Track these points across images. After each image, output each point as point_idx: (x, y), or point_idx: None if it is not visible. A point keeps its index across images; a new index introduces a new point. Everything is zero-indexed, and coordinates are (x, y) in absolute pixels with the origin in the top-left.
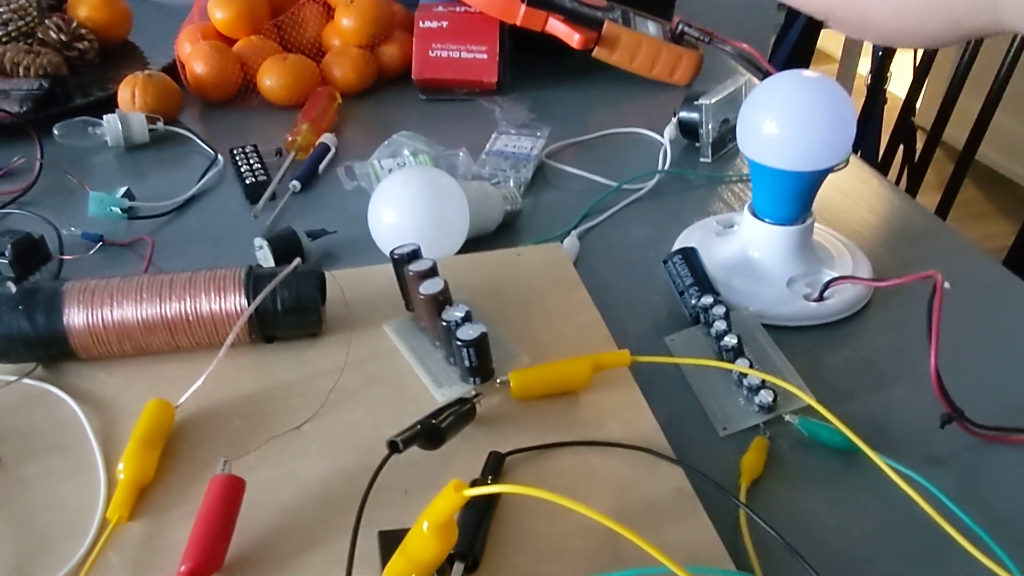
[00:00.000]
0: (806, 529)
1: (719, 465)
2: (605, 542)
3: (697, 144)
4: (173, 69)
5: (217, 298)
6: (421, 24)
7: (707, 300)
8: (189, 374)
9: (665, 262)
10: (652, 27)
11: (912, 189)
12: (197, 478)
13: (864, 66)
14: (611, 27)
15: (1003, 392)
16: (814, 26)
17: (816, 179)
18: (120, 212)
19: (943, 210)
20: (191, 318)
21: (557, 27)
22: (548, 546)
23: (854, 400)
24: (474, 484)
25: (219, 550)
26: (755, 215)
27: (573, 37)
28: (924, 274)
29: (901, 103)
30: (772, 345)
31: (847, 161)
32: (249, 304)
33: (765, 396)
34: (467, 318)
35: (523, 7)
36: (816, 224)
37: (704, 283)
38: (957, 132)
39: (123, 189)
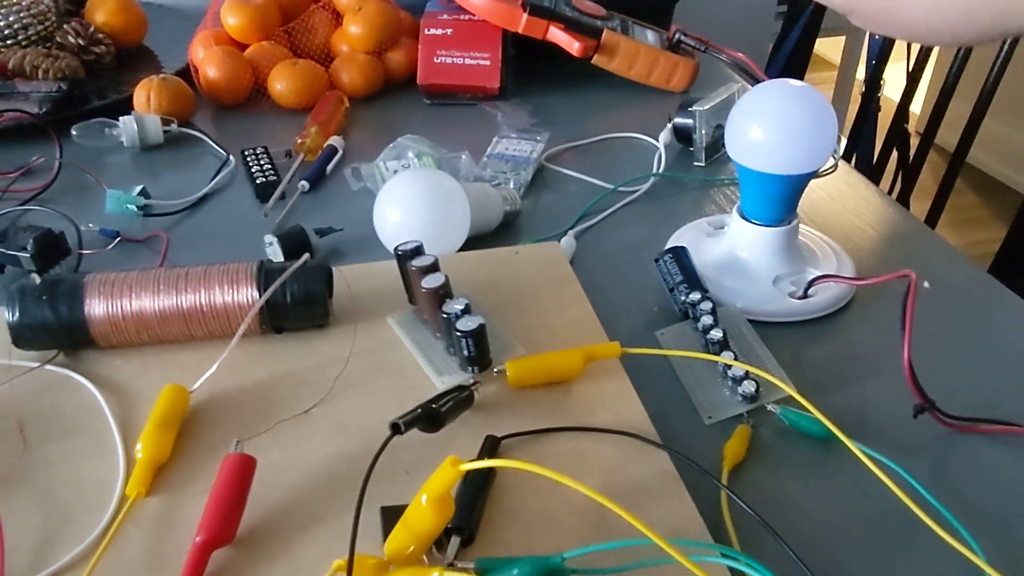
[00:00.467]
0: (784, 511)
1: (704, 451)
2: (593, 518)
3: (691, 149)
4: (186, 73)
5: (230, 290)
6: (427, 31)
7: (695, 296)
8: (202, 362)
9: (656, 260)
10: (650, 36)
11: (905, 193)
12: (210, 458)
13: (862, 73)
14: (610, 35)
15: (976, 387)
16: (810, 35)
17: (800, 182)
18: (136, 210)
19: (935, 213)
20: (205, 309)
21: (558, 35)
22: (539, 522)
23: (833, 392)
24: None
25: (232, 523)
26: (743, 216)
27: (573, 45)
28: (900, 273)
29: (895, 108)
30: (757, 339)
31: (835, 166)
32: (260, 296)
33: (748, 386)
34: (466, 311)
35: (525, 16)
36: (803, 226)
37: (693, 280)
38: (950, 136)
39: (139, 187)
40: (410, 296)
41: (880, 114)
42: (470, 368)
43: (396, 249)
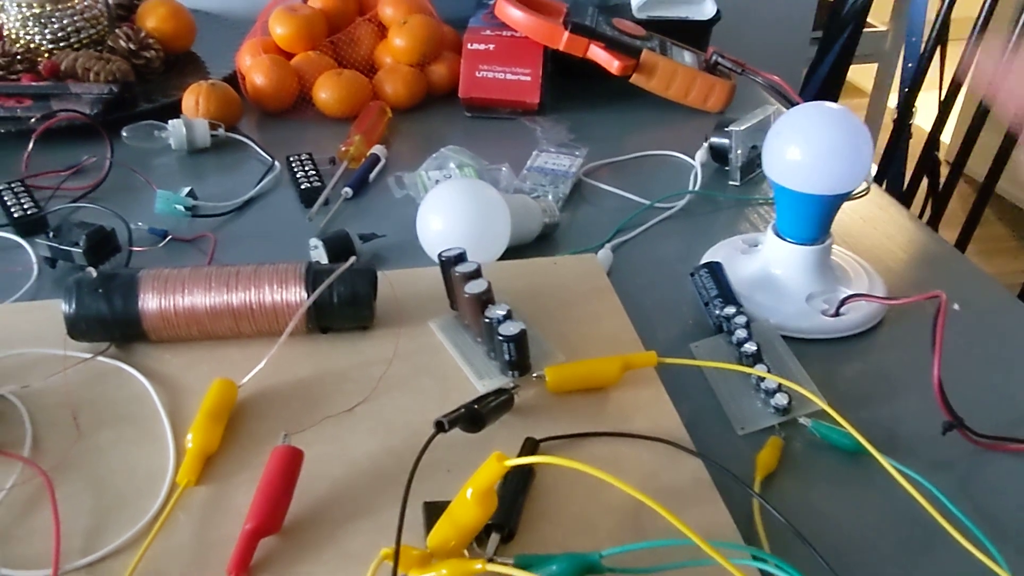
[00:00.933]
0: (814, 521)
1: (736, 460)
2: (628, 520)
3: (726, 168)
4: (233, 79)
5: (279, 289)
6: (469, 46)
7: (730, 310)
8: (249, 358)
9: (692, 274)
10: (688, 57)
11: (935, 221)
12: (258, 450)
13: (893, 101)
14: (649, 55)
15: (1004, 406)
16: (844, 61)
17: (834, 202)
18: (184, 210)
19: (963, 242)
20: (255, 307)
21: (598, 53)
22: (575, 523)
23: (864, 408)
24: None
25: (279, 513)
26: (778, 235)
27: (612, 63)
28: (931, 294)
29: (926, 136)
30: (789, 354)
31: (868, 189)
32: (308, 296)
33: (781, 399)
34: (508, 316)
35: (566, 33)
36: (836, 246)
37: (728, 295)
38: (979, 166)
39: (187, 189)
40: (452, 301)
41: (910, 142)
42: (510, 372)
43: (440, 255)
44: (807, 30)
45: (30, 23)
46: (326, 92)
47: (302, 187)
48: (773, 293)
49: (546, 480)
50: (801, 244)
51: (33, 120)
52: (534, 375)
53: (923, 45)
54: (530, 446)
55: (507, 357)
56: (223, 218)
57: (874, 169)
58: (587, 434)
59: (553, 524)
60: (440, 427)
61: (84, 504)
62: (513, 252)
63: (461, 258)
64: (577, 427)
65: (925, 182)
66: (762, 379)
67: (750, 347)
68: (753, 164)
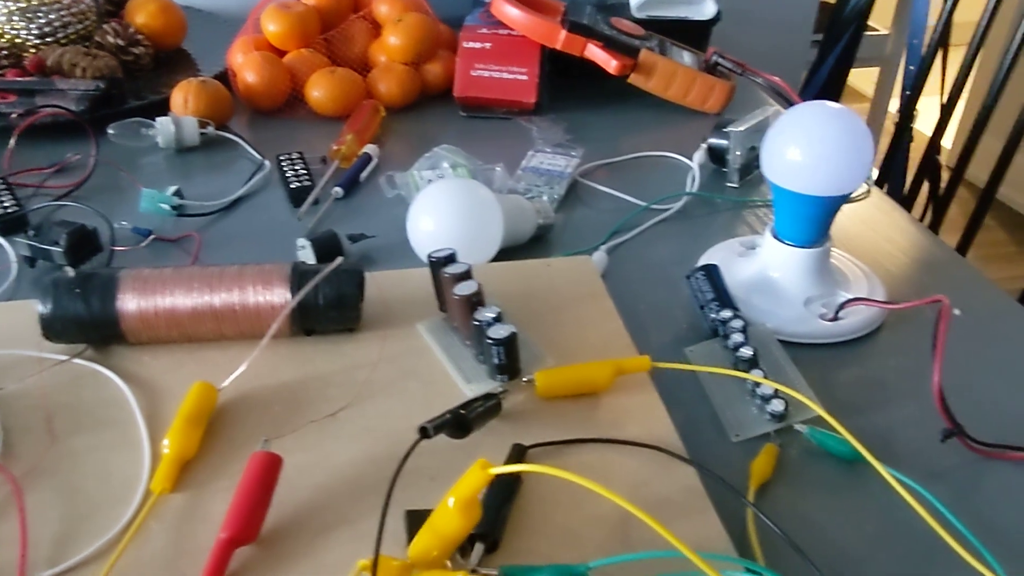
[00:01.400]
0: (810, 530)
1: (730, 468)
2: (616, 531)
3: (724, 169)
4: (224, 77)
5: (263, 290)
6: (465, 44)
7: (726, 314)
8: (231, 361)
9: (688, 277)
10: (687, 57)
11: (935, 226)
12: (237, 456)
13: (895, 105)
14: (647, 55)
15: (1004, 414)
16: (845, 64)
17: (834, 204)
18: (169, 209)
19: (964, 247)
20: (238, 308)
21: (595, 53)
22: (562, 533)
23: (862, 414)
24: None
25: (256, 521)
26: (776, 237)
27: (610, 63)
28: (932, 299)
29: (927, 141)
30: (786, 359)
31: (868, 191)
32: (293, 297)
33: (777, 405)
34: (498, 319)
35: (564, 32)
36: (835, 249)
37: (724, 298)
38: (980, 172)
39: (173, 188)
40: (441, 303)
41: (911, 146)
42: (499, 376)
43: (430, 256)
44: (808, 32)
45: (16, 18)
46: (319, 90)
47: (291, 186)
48: (770, 296)
49: (532, 490)
50: (800, 247)
51: (15, 116)
52: (524, 379)
53: (924, 49)
54: (517, 453)
55: (496, 361)
56: (210, 218)
57: (875, 173)
58: (577, 441)
59: (539, 534)
60: (424, 433)
61: (55, 512)
62: (506, 253)
63: (451, 259)
64: (567, 433)
65: (926, 187)
66: (758, 384)
67: (746, 351)
68: (751, 166)
